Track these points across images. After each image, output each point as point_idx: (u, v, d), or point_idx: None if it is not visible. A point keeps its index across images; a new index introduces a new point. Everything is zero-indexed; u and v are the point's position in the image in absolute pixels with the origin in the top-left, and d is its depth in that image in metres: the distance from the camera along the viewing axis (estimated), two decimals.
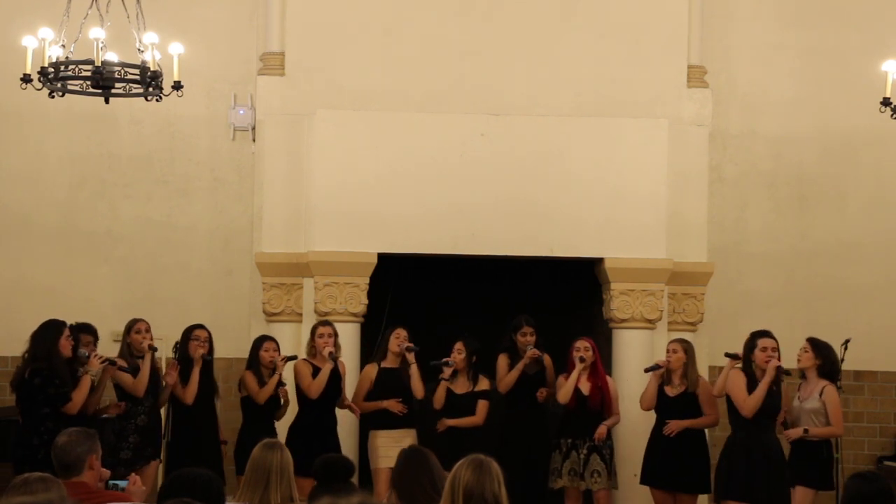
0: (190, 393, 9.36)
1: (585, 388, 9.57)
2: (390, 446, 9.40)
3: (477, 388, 9.72)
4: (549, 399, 9.83)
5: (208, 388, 9.50)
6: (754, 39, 11.33)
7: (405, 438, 9.44)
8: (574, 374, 9.51)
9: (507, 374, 9.81)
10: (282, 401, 9.50)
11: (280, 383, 9.51)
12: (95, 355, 8.90)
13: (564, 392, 9.53)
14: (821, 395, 8.95)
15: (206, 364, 9.46)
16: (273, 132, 10.49)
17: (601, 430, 9.50)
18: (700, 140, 10.71)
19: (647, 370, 9.56)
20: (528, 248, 10.40)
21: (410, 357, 9.59)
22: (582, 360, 9.52)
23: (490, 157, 10.38)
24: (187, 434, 9.38)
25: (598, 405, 9.58)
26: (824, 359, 9.05)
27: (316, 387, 9.43)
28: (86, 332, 9.22)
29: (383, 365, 9.73)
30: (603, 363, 9.85)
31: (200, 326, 9.56)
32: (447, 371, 9.61)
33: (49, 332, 8.73)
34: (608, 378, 9.78)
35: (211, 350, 9.52)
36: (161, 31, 8.14)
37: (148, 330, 9.32)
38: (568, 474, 9.49)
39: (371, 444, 9.66)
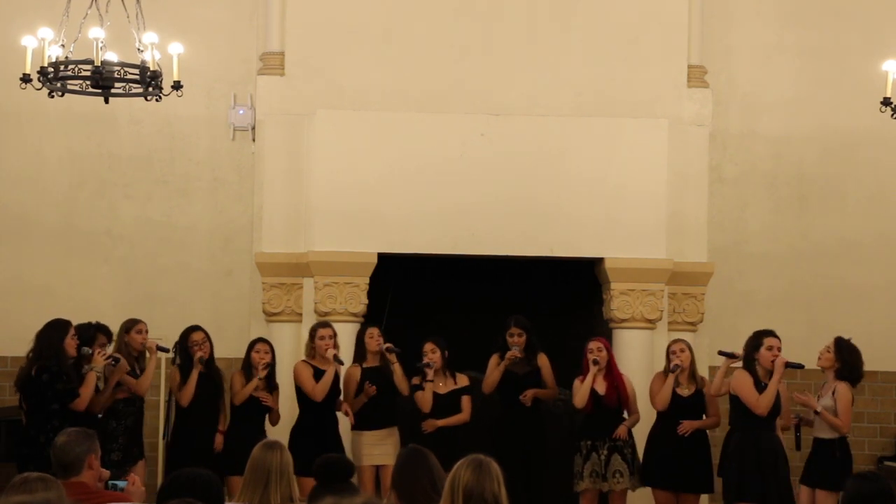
0: (186, 395, 9.38)
1: (601, 387, 9.49)
2: (373, 444, 9.49)
3: (458, 385, 9.72)
4: (535, 399, 9.77)
5: (209, 389, 9.50)
6: (754, 39, 11.32)
7: (388, 437, 9.49)
8: (588, 378, 9.43)
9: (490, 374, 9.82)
10: (262, 402, 9.49)
11: (270, 387, 9.52)
12: (100, 352, 8.93)
13: (580, 397, 9.47)
14: (833, 393, 8.96)
15: (208, 365, 9.49)
16: (273, 132, 10.50)
17: (621, 430, 9.46)
18: (700, 140, 10.70)
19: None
20: (528, 248, 10.39)
21: (392, 357, 9.59)
22: (595, 362, 9.45)
23: (490, 157, 10.38)
24: (186, 435, 9.42)
25: (615, 404, 9.49)
26: (843, 362, 9.02)
27: (321, 389, 9.44)
28: (103, 332, 9.24)
29: (365, 365, 9.71)
30: None
31: (196, 329, 9.57)
32: (430, 372, 9.59)
33: (55, 331, 8.75)
34: (624, 376, 9.68)
35: (211, 350, 9.54)
36: (161, 31, 8.14)
37: (147, 331, 9.36)
38: (590, 476, 9.43)
39: (354, 443, 9.66)
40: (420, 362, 9.60)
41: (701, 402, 9.41)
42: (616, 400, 9.51)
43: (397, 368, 9.59)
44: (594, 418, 9.50)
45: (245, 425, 9.35)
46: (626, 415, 9.61)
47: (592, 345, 9.55)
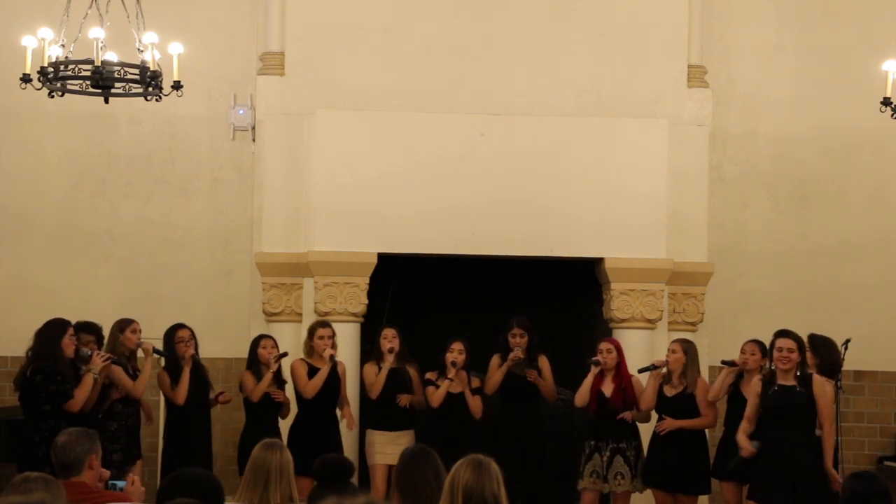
0: (181, 394, 9.38)
1: (608, 389, 9.45)
2: (387, 444, 9.50)
3: (472, 386, 9.75)
4: (534, 399, 9.79)
5: (200, 387, 9.50)
6: (754, 39, 11.33)
7: (402, 439, 9.47)
8: (588, 379, 9.43)
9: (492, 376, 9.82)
10: (275, 399, 9.49)
11: (279, 383, 9.53)
12: (98, 354, 8.92)
13: (580, 395, 9.46)
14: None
15: (195, 363, 9.48)
16: (273, 132, 10.50)
17: (626, 415, 9.39)
18: (700, 140, 10.71)
19: (641, 371, 9.52)
20: (528, 248, 10.39)
21: (390, 359, 9.60)
22: (596, 363, 9.45)
23: (490, 157, 10.38)
24: (180, 434, 9.42)
25: (620, 407, 9.45)
26: (822, 358, 8.99)
27: (312, 387, 9.46)
28: (87, 331, 9.22)
29: (381, 364, 9.72)
30: None
31: (182, 326, 9.56)
32: (453, 371, 9.60)
33: (53, 330, 8.74)
34: (633, 377, 9.60)
35: (196, 347, 9.54)
36: (161, 31, 8.14)
37: (141, 331, 9.35)
38: (590, 476, 9.43)
39: (368, 442, 9.70)
40: (441, 358, 9.61)
41: (690, 402, 9.33)
42: (621, 403, 9.47)
43: (416, 383, 9.67)
44: (599, 420, 9.49)
45: (259, 426, 9.29)
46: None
47: (602, 346, 9.54)
